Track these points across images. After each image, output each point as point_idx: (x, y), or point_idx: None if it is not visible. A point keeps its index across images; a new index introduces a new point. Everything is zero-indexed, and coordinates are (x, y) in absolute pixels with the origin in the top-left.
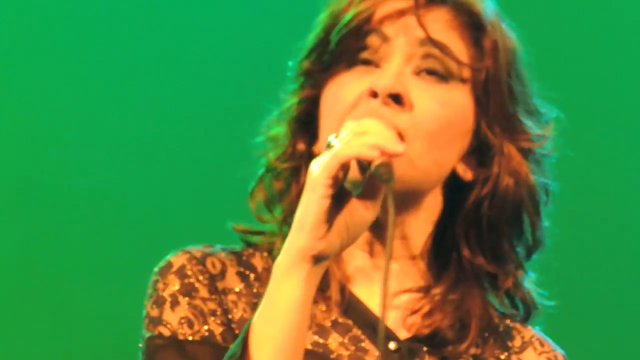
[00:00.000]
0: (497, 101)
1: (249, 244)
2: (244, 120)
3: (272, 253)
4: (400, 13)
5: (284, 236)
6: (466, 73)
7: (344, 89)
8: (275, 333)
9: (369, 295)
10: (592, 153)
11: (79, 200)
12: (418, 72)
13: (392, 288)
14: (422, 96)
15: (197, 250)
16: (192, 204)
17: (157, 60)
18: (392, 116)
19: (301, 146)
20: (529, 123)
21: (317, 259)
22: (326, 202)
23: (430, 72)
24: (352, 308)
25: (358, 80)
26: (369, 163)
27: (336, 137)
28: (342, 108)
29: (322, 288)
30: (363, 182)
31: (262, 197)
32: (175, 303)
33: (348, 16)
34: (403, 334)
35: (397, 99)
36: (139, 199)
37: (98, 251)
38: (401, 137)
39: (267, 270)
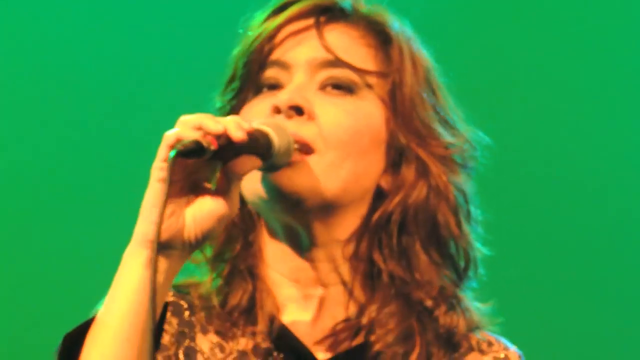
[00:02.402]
0: (406, 107)
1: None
2: None
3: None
4: (300, 32)
5: (215, 277)
6: (372, 80)
7: (252, 110)
8: (109, 325)
9: (300, 325)
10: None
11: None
12: (323, 88)
13: (324, 317)
14: (326, 108)
15: None
16: None
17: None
18: (298, 128)
19: None
20: (442, 131)
21: (157, 244)
22: (160, 186)
23: (335, 87)
24: (281, 336)
25: (264, 102)
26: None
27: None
28: None
29: (252, 321)
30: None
31: None
32: None
33: (251, 48)
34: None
35: (299, 110)
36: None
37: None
38: (310, 149)
39: (200, 297)
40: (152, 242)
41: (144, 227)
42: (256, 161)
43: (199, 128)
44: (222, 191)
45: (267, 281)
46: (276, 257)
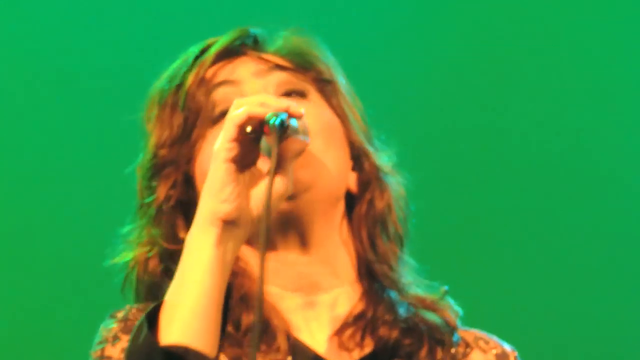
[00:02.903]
0: (349, 111)
1: None
2: None
3: None
4: (231, 60)
5: None
6: (314, 85)
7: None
8: (185, 303)
9: (309, 334)
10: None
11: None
12: (282, 95)
13: (329, 321)
14: None
15: (139, 304)
16: None
17: None
18: None
19: (183, 234)
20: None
21: (227, 222)
22: (230, 166)
23: (289, 94)
24: (297, 351)
25: None
26: (262, 121)
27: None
28: None
29: (269, 342)
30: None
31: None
32: (115, 339)
33: (191, 84)
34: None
35: None
36: None
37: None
38: None
39: None
40: (222, 220)
41: (214, 206)
42: (303, 141)
43: (264, 106)
44: (279, 170)
45: (267, 298)
46: (273, 271)
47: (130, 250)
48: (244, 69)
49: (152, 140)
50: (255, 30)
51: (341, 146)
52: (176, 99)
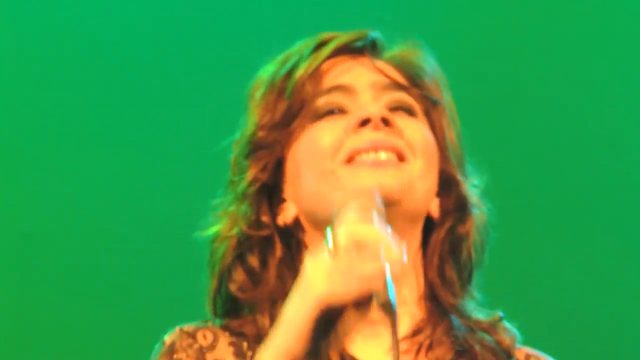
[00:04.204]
0: (448, 137)
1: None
2: None
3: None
4: (352, 59)
5: (271, 311)
6: (421, 105)
7: (319, 132)
8: None
9: (364, 350)
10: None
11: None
12: (391, 109)
13: (388, 340)
14: (406, 124)
15: (190, 325)
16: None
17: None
18: (388, 138)
19: (266, 218)
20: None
21: (330, 306)
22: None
23: (400, 109)
24: None
25: (332, 124)
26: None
27: (333, 240)
28: (321, 152)
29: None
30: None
31: (242, 277)
32: None
33: (303, 78)
34: None
35: (387, 123)
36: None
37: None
38: (403, 157)
39: (259, 336)
40: (327, 305)
41: (326, 289)
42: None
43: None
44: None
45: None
46: None
47: (217, 224)
48: (361, 77)
49: (253, 120)
50: (373, 33)
51: (434, 172)
52: (284, 85)
